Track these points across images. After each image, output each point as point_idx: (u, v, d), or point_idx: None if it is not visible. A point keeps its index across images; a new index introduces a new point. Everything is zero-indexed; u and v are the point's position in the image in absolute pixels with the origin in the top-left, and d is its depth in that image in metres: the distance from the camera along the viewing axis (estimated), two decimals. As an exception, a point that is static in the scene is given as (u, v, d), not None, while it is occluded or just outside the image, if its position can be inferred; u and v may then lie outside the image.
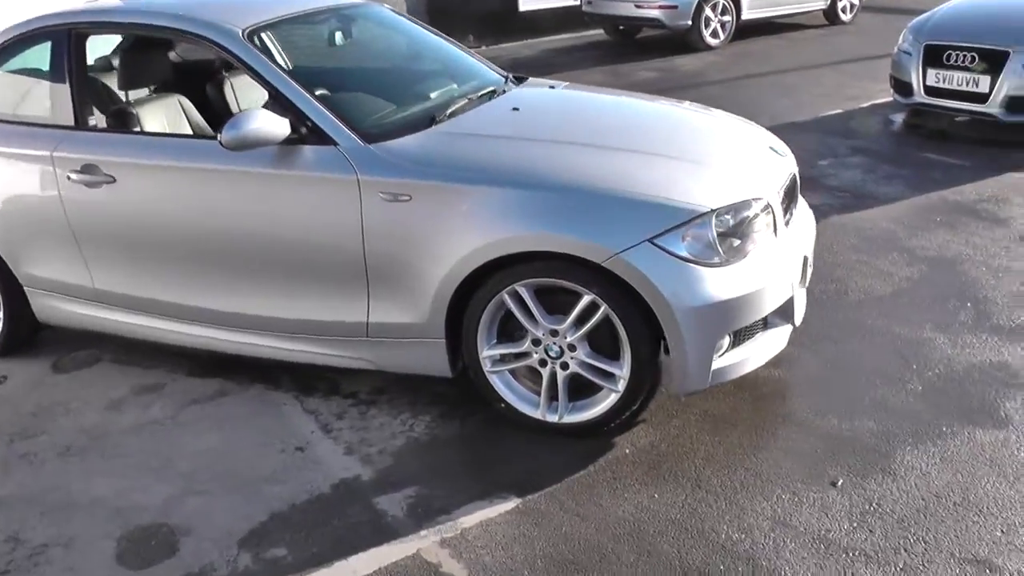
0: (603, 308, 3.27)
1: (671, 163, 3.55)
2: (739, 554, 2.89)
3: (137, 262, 3.96)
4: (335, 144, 3.49)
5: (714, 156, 3.70)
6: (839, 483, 3.25)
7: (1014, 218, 5.81)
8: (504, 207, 3.28)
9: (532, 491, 3.23)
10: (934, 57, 7.41)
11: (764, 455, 3.41)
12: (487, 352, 3.48)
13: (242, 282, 3.74)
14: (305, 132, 3.52)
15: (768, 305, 3.39)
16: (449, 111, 3.84)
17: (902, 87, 7.79)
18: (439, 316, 3.45)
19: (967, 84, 7.24)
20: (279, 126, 3.45)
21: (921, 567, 2.80)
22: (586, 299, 3.27)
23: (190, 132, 4.51)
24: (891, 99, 8.37)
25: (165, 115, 4.42)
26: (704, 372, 3.33)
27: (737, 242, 3.29)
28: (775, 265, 3.42)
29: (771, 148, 3.93)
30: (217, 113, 4.69)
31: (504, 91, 4.28)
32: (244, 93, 4.89)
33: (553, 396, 3.50)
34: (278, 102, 3.57)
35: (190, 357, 4.22)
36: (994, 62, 7.06)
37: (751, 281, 3.29)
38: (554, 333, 3.38)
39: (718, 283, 3.21)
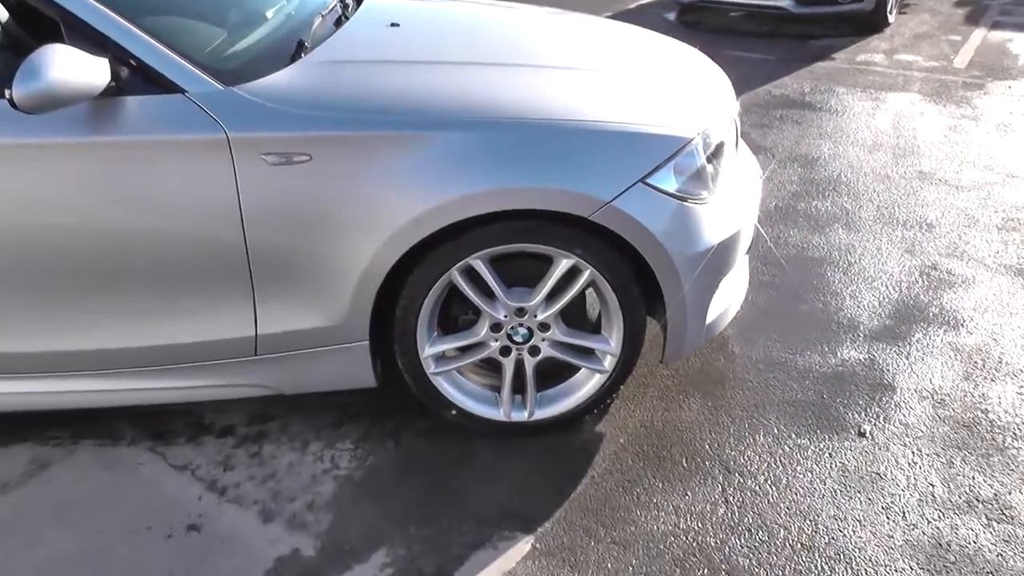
0: (588, 272, 2.51)
1: (622, 82, 2.82)
2: (840, 551, 2.32)
3: None
4: (180, 91, 2.40)
5: (662, 72, 3.00)
6: (865, 430, 2.75)
7: (850, 105, 5.66)
8: (454, 156, 2.42)
9: (540, 521, 2.47)
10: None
11: (772, 412, 2.86)
12: (430, 350, 2.62)
13: (64, 307, 2.57)
14: (128, 77, 2.39)
15: (746, 241, 2.79)
16: (305, 33, 2.82)
17: (683, -18, 7.45)
18: (361, 314, 2.54)
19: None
20: (96, 70, 2.30)
21: None
22: (564, 264, 2.50)
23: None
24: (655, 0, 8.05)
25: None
26: (700, 330, 2.71)
27: (715, 172, 2.63)
28: (745, 194, 2.82)
29: (700, 60, 3.27)
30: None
31: (347, 3, 3.28)
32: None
33: (516, 389, 2.71)
34: (81, 35, 2.39)
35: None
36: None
37: (734, 217, 2.71)
38: (520, 312, 2.58)
39: (711, 223, 2.59)
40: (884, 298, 3.55)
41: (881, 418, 2.85)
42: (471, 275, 2.54)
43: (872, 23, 7.38)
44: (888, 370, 3.10)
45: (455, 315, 2.69)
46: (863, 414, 2.88)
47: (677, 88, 2.85)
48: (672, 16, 8.01)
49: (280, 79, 2.50)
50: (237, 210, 2.41)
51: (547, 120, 2.46)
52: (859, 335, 3.30)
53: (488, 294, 2.57)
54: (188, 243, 2.45)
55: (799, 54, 6.84)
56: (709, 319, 2.73)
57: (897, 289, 3.61)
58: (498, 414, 2.73)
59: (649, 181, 2.46)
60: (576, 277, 2.55)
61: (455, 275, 2.51)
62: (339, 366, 2.65)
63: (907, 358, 3.17)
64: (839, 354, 3.18)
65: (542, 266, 2.56)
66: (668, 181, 2.50)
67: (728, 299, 2.83)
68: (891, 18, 7.58)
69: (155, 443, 2.88)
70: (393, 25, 3.06)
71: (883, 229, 4.14)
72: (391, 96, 2.49)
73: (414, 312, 2.55)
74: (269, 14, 3.09)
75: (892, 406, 2.91)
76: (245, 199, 2.40)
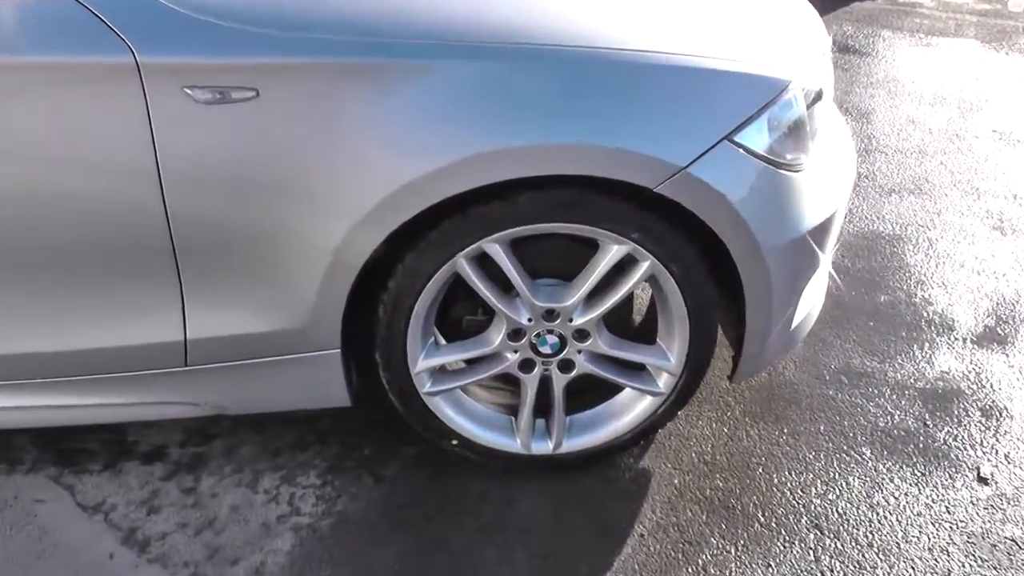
0: (646, 264, 1.80)
1: (687, 4, 2.06)
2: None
3: None
4: (68, -7, 1.64)
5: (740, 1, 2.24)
6: (986, 475, 2.08)
7: (900, 51, 4.95)
8: (464, 97, 1.68)
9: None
10: None
11: (864, 444, 2.21)
12: (425, 362, 1.91)
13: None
14: None
15: (840, 223, 2.07)
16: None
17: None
18: (330, 314, 1.83)
19: None
20: None
21: None
22: (615, 251, 1.79)
23: None
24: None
25: None
26: (783, 339, 2.01)
27: (813, 130, 1.90)
28: (843, 161, 2.10)
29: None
30: None
31: None
32: None
33: (538, 411, 2.04)
34: None
35: None
36: None
37: (834, 191, 2.01)
38: (549, 315, 1.86)
39: (809, 198, 1.89)
40: (979, 288, 2.87)
41: (1002, 456, 2.19)
42: (483, 263, 1.82)
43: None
44: (999, 387, 2.43)
45: (459, 316, 1.97)
46: (978, 449, 2.21)
47: (761, 16, 2.10)
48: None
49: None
50: (152, 166, 1.68)
51: (596, 50, 1.72)
52: (957, 337, 2.62)
53: (507, 289, 1.86)
54: (82, 212, 1.71)
55: (836, -5, 6.08)
56: (794, 324, 2.03)
57: (993, 276, 2.93)
58: (514, 444, 2.04)
59: (736, 139, 1.74)
60: (630, 270, 1.84)
61: (462, 264, 1.79)
62: (300, 381, 1.95)
63: (1019, 371, 2.49)
64: (936, 363, 2.51)
65: (582, 252, 1.85)
66: (759, 139, 1.78)
67: (813, 299, 2.13)
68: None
69: (62, 470, 2.18)
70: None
71: (963, 199, 3.43)
72: (373, 8, 1.74)
73: (403, 313, 1.83)
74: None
75: (1013, 439, 2.24)
76: (163, 151, 1.67)
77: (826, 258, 2.06)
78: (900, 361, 2.51)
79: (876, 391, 2.39)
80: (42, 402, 1.98)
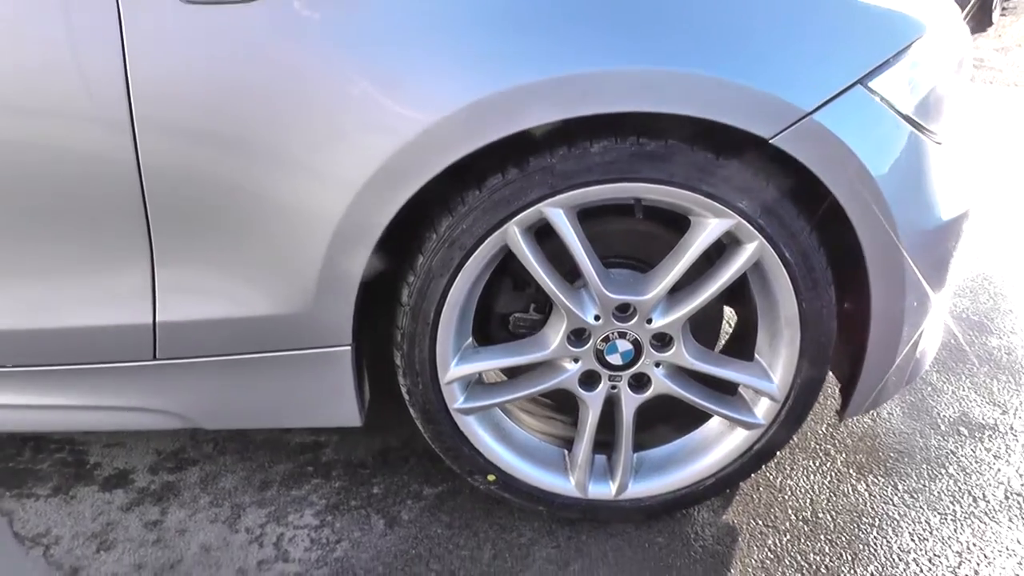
0: (754, 245, 1.36)
1: None
2: None
3: None
4: None
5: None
6: None
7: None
8: (519, 6, 1.25)
9: None
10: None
11: (996, 507, 1.75)
12: (458, 369, 1.47)
13: None
14: None
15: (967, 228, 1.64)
16: None
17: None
18: (339, 298, 1.40)
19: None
20: None
21: None
22: (715, 227, 1.36)
23: None
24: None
25: None
26: (907, 365, 1.55)
27: (951, 103, 1.48)
28: (974, 153, 1.67)
29: None
30: None
31: None
32: None
33: (598, 444, 1.57)
34: None
35: None
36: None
37: (971, 182, 1.57)
38: (623, 312, 1.42)
39: (950, 180, 1.43)
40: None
41: None
42: (542, 243, 1.39)
43: (976, 20, 6.32)
44: None
45: (504, 311, 1.53)
46: None
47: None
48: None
49: None
50: (120, 79, 1.27)
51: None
52: (1092, 388, 2.16)
53: (568, 278, 1.43)
54: (29, 151, 1.32)
55: None
56: (919, 349, 1.58)
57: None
58: (567, 486, 1.59)
59: (872, 85, 1.32)
60: (730, 253, 1.41)
61: (515, 234, 1.37)
62: (296, 386, 1.51)
63: None
64: (1073, 416, 2.04)
65: (663, 234, 1.43)
66: (900, 93, 1.35)
67: (935, 327, 1.69)
68: (995, 17, 6.52)
69: (3, 492, 1.75)
70: None
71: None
72: None
73: (436, 299, 1.40)
74: None
75: None
76: (135, 66, 1.27)
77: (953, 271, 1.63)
78: (1022, 413, 2.06)
79: (1004, 446, 1.94)
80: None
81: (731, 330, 1.98)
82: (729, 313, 1.90)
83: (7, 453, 1.87)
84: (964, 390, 2.15)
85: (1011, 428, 2.00)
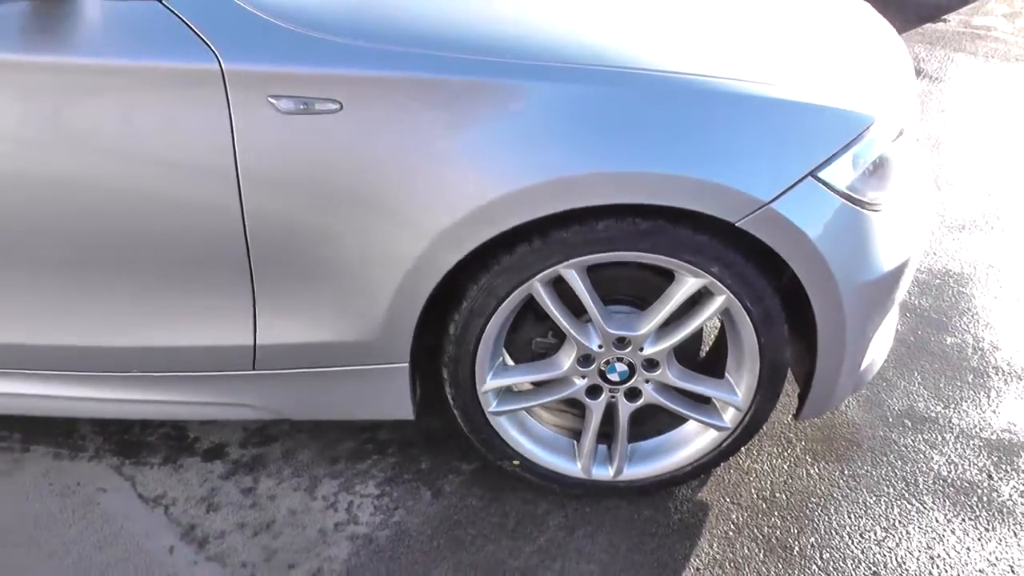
0: (723, 298, 1.78)
1: (774, 26, 2.06)
2: None
3: None
4: (157, -5, 1.66)
5: (822, 19, 2.20)
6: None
7: (973, 78, 4.87)
8: (551, 119, 1.67)
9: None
10: None
11: (926, 493, 2.20)
12: (493, 382, 1.90)
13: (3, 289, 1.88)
14: None
15: (912, 271, 2.03)
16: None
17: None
18: (401, 330, 1.83)
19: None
20: None
21: None
22: (692, 284, 1.77)
23: None
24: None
25: None
26: (851, 379, 1.97)
27: (894, 169, 1.86)
28: (921, 201, 2.05)
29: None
30: None
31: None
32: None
33: (601, 436, 2.04)
34: None
35: None
36: None
37: (912, 232, 1.96)
38: (621, 343, 1.84)
39: (888, 239, 1.85)
40: (1051, 335, 2.80)
41: (1072, 511, 2.13)
42: (557, 286, 1.81)
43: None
44: (1072, 440, 2.37)
45: (528, 337, 1.96)
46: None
47: (845, 45, 2.07)
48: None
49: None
50: (232, 171, 1.69)
51: (683, 76, 1.70)
52: (1025, 385, 2.56)
53: (578, 313, 1.85)
54: (161, 213, 1.75)
55: (904, 13, 5.98)
56: (863, 366, 2.00)
57: (1066, 324, 2.86)
58: (574, 468, 2.04)
59: (820, 175, 1.71)
60: (704, 302, 1.83)
61: (538, 288, 1.79)
62: (364, 392, 1.96)
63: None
64: (1002, 413, 2.45)
65: (654, 280, 1.84)
66: (842, 176, 1.75)
67: (882, 341, 2.10)
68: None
69: (124, 461, 2.21)
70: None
71: (1036, 240, 3.36)
72: (460, 24, 1.75)
73: (475, 333, 1.83)
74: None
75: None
76: (243, 156, 1.68)
77: (898, 301, 2.03)
78: (965, 408, 2.46)
79: (940, 438, 2.35)
80: (109, 395, 2.01)
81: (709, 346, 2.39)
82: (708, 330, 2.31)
83: (121, 427, 2.32)
84: (914, 385, 2.55)
85: (949, 422, 2.41)
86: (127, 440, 2.28)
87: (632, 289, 1.91)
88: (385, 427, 2.27)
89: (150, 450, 2.26)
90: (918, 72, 5.01)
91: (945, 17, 6.07)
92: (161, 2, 1.66)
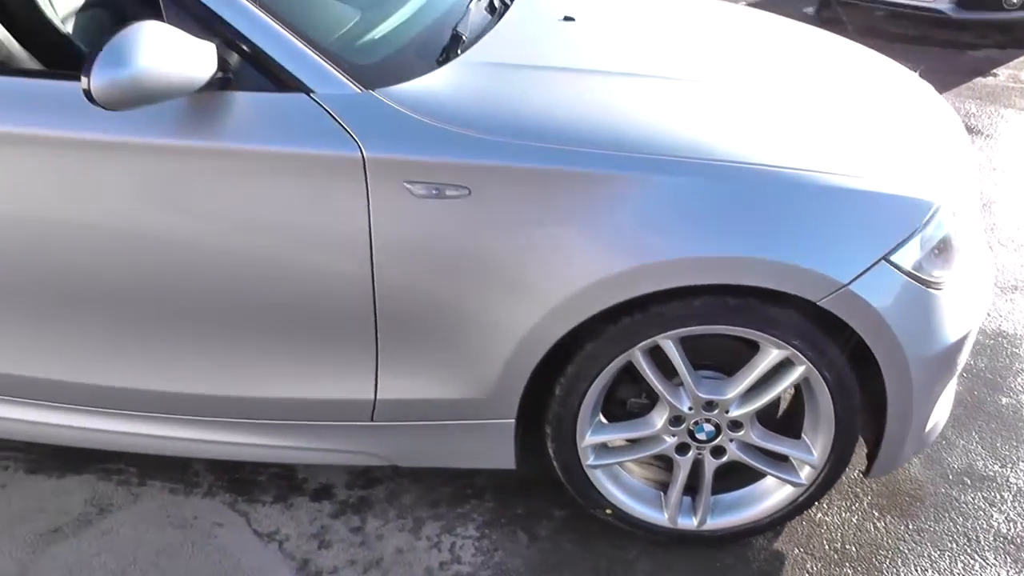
0: (802, 368, 1.97)
1: (849, 116, 2.27)
2: None
3: None
4: (305, 90, 1.88)
5: (888, 105, 2.41)
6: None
7: (1018, 130, 4.98)
8: (659, 208, 1.88)
9: None
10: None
11: (988, 549, 2.35)
12: (592, 438, 2.10)
13: (148, 341, 2.10)
14: (237, 67, 1.89)
15: (972, 340, 2.20)
16: (461, 22, 2.27)
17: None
18: (511, 390, 2.03)
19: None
20: (201, 58, 1.81)
21: None
22: (775, 355, 1.96)
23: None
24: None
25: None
26: (916, 441, 2.14)
27: (957, 249, 2.04)
28: (981, 274, 2.22)
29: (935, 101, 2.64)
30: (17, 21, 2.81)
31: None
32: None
33: (686, 488, 2.22)
34: (182, 8, 1.88)
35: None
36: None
37: (974, 306, 2.15)
38: (709, 406, 2.03)
39: (951, 314, 2.04)
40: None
41: None
42: (654, 354, 2.00)
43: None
44: None
45: (622, 397, 2.15)
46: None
47: (909, 129, 2.27)
48: (811, 10, 7.31)
49: (433, 84, 1.97)
50: (366, 247, 1.90)
51: (774, 169, 1.90)
52: (1081, 445, 2.70)
53: (669, 376, 2.03)
54: (299, 281, 1.97)
55: (954, 66, 6.13)
56: (927, 427, 2.17)
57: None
58: (661, 518, 2.22)
59: (892, 259, 1.90)
60: (785, 371, 2.01)
61: (638, 356, 1.98)
62: (472, 443, 2.15)
63: None
64: (1060, 471, 2.59)
65: (739, 348, 2.03)
66: (911, 259, 1.94)
67: (945, 405, 2.27)
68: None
69: (237, 498, 2.41)
70: (567, 19, 2.50)
71: (1088, 302, 3.50)
72: (578, 119, 1.96)
73: (579, 394, 2.02)
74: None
75: None
76: (378, 235, 1.89)
77: (960, 367, 2.20)
78: (1022, 467, 2.61)
79: (998, 496, 2.50)
80: (229, 439, 2.22)
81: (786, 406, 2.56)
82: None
83: (232, 465, 2.52)
84: (972, 444, 2.70)
85: (1007, 480, 2.56)
86: (238, 478, 2.49)
87: (718, 355, 2.09)
88: (481, 473, 2.46)
89: (261, 489, 2.46)
90: (969, 129, 5.16)
91: (995, 71, 6.22)
92: (308, 95, 1.88)
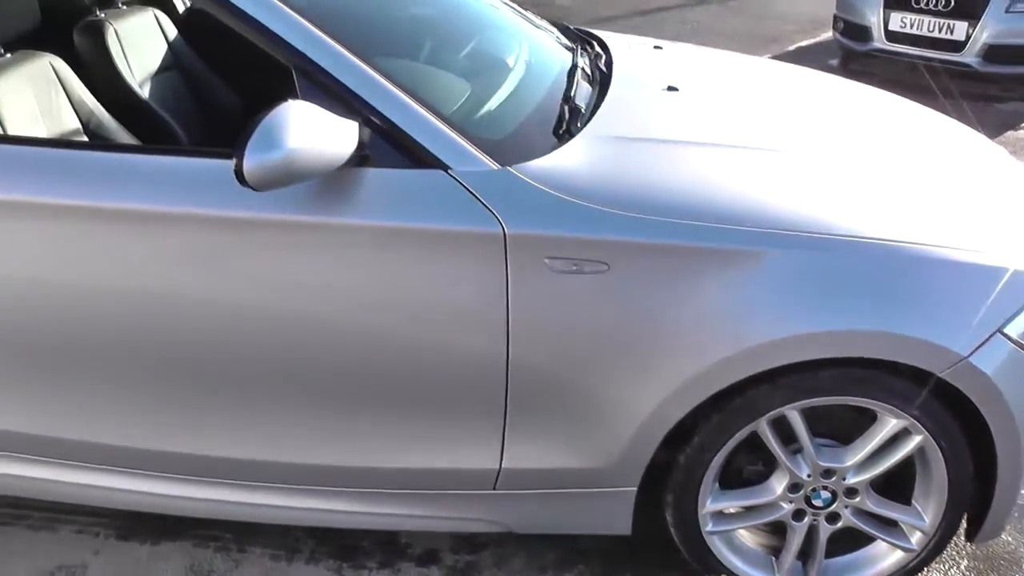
0: (920, 438, 2.03)
1: (947, 186, 2.37)
2: None
3: (65, 386, 2.20)
4: (442, 167, 1.94)
5: (976, 171, 2.51)
6: None
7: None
8: (788, 283, 1.95)
9: None
10: (899, -1, 6.59)
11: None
12: (711, 506, 2.15)
13: (279, 414, 2.14)
14: (373, 143, 1.95)
15: None
16: (572, 94, 2.36)
17: (856, 31, 6.93)
18: (636, 461, 2.09)
19: (939, 30, 6.44)
20: (344, 136, 1.87)
21: None
22: (894, 424, 2.02)
23: (72, 115, 2.73)
24: (814, 40, 7.55)
25: (33, 90, 2.61)
26: (1020, 507, 2.18)
27: None
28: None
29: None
30: (92, 83, 2.90)
31: (590, 55, 2.80)
32: (139, 47, 3.15)
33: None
34: (318, 87, 1.95)
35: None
36: (970, 6, 6.31)
37: None
38: (828, 474, 2.08)
39: None
40: None
41: None
42: (777, 426, 2.06)
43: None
44: None
45: (737, 465, 2.20)
46: None
47: (1000, 196, 2.36)
48: (835, 62, 7.46)
49: (565, 160, 2.05)
50: (503, 322, 1.96)
51: (895, 243, 1.98)
52: None
53: (787, 444, 2.09)
54: (428, 354, 2.02)
55: (983, 119, 6.23)
56: (1026, 492, 2.23)
57: None
58: (774, 582, 2.25)
59: (1005, 330, 1.97)
60: (903, 439, 2.07)
61: (763, 427, 2.03)
62: (592, 510, 2.20)
63: None
64: None
65: (852, 416, 2.09)
66: (1019, 330, 2.01)
67: None
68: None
69: (342, 564, 2.45)
70: (670, 89, 2.58)
71: None
72: (709, 194, 2.04)
73: (703, 465, 2.08)
74: (510, 60, 2.63)
75: None
76: (515, 310, 1.95)
77: None
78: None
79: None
80: (340, 507, 2.25)
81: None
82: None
83: (333, 530, 2.54)
84: None
85: (1094, 539, 2.61)
86: (341, 544, 2.52)
87: (832, 423, 2.14)
88: (586, 536, 2.50)
89: (365, 554, 2.49)
90: None
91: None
92: (446, 171, 1.94)
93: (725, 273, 1.93)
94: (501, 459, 2.12)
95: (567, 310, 1.95)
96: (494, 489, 2.18)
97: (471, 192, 1.94)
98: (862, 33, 6.86)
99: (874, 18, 6.69)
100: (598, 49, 2.88)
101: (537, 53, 2.73)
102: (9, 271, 2.05)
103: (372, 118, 1.94)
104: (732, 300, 1.93)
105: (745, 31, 8.22)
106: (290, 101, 1.82)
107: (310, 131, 1.79)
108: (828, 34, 7.88)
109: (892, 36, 6.67)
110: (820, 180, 2.20)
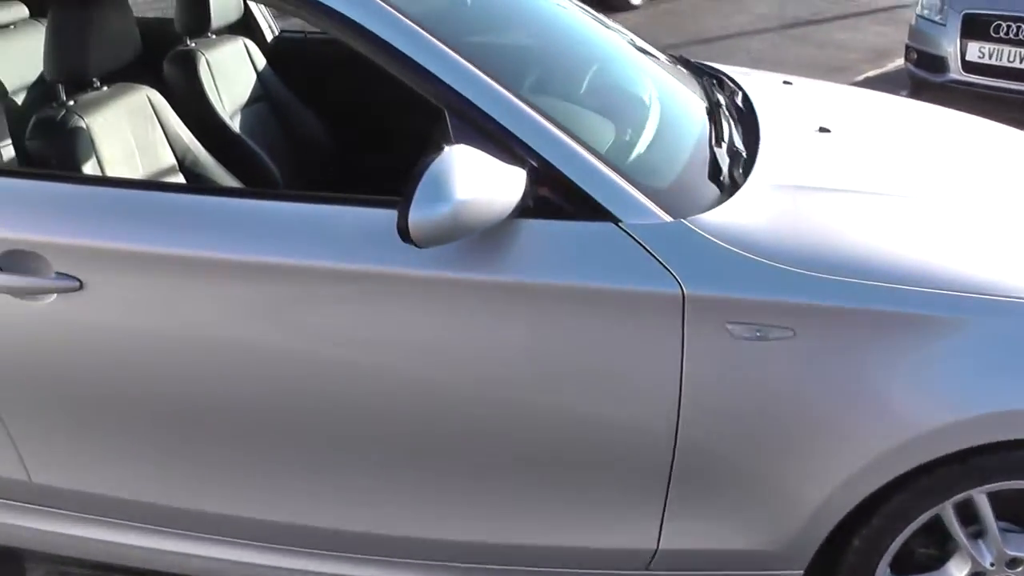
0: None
1: None
2: None
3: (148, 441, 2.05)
4: (612, 219, 1.77)
5: None
6: None
7: None
8: (987, 353, 1.78)
9: None
10: (976, 28, 6.36)
11: None
12: (885, 591, 1.96)
13: (393, 482, 2.01)
14: (534, 191, 1.77)
15: None
16: (725, 136, 2.19)
17: (932, 62, 6.71)
18: (809, 543, 1.93)
19: (1021, 60, 6.25)
20: (511, 186, 1.71)
21: None
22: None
23: (168, 151, 2.59)
24: (882, 70, 7.38)
25: (130, 124, 2.46)
26: None
27: None
28: None
29: None
30: (186, 115, 2.76)
31: (724, 92, 2.62)
32: (229, 78, 3.02)
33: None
34: (468, 125, 1.79)
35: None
36: (1054, 35, 6.12)
37: None
38: (1014, 563, 1.90)
39: None
40: None
41: None
42: (963, 510, 1.88)
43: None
44: None
45: (911, 547, 2.02)
46: None
47: None
48: (905, 93, 7.27)
49: (739, 212, 1.89)
50: (675, 392, 1.79)
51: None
52: None
53: (974, 535, 1.91)
54: (590, 426, 1.87)
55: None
56: None
57: None
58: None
59: None
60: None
61: (948, 510, 1.85)
62: (749, 589, 2.01)
63: None
64: None
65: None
66: None
67: None
68: None
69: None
70: (822, 131, 2.40)
71: None
72: (899, 252, 1.88)
73: (880, 549, 1.92)
74: (644, 96, 2.46)
75: None
76: (690, 379, 1.78)
77: None
78: None
79: None
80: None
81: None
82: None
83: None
84: None
85: None
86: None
87: (1014, 507, 1.96)
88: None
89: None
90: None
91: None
92: (616, 224, 1.77)
93: (922, 341, 1.76)
94: (659, 539, 1.96)
95: (748, 380, 1.79)
96: (647, 569, 2.01)
97: (645, 248, 1.77)
98: (937, 64, 6.65)
99: (950, 48, 6.47)
100: (729, 84, 2.71)
101: (665, 87, 2.56)
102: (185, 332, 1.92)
103: (534, 164, 1.78)
104: (929, 371, 1.77)
105: (809, 60, 8.03)
106: (452, 147, 1.67)
107: (477, 180, 1.63)
108: (895, 64, 7.70)
109: (969, 67, 6.45)
110: (1000, 234, 2.03)
